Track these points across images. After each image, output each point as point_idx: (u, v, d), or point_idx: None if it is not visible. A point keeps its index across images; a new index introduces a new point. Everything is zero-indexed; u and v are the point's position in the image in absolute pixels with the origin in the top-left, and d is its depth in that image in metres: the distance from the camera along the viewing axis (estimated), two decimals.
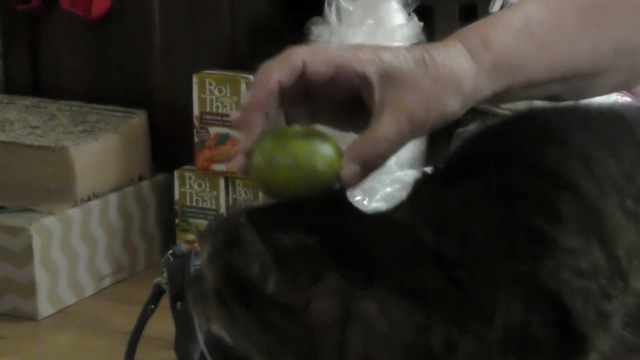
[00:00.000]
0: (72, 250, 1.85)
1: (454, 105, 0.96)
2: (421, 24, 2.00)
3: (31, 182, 1.87)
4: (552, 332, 1.00)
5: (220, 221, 1.01)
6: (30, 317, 1.78)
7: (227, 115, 1.93)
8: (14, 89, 2.24)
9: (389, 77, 0.94)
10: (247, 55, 2.06)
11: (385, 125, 0.94)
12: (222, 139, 1.94)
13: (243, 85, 1.91)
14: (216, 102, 1.93)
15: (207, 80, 1.93)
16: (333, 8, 1.96)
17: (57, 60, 2.21)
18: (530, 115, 1.06)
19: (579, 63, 1.01)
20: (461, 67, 0.96)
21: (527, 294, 0.99)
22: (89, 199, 1.89)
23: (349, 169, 0.94)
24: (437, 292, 0.96)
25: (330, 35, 1.94)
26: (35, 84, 2.23)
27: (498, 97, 1.00)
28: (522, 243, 1.00)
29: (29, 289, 1.78)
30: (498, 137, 1.07)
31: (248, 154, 0.94)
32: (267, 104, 0.94)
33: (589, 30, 1.01)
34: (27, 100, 2.13)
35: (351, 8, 1.96)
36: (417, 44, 1.99)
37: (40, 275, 1.79)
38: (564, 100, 1.07)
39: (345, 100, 0.97)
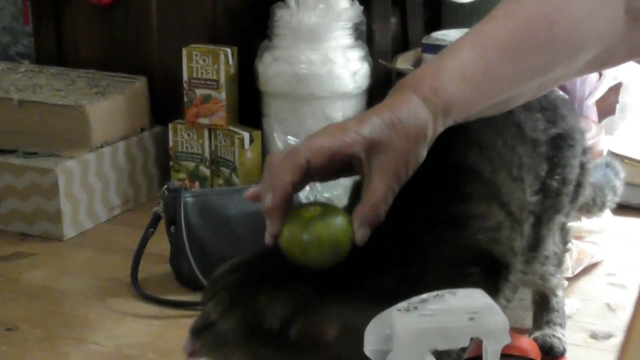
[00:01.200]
0: (89, 186, 1.84)
1: (424, 153, 0.95)
2: (361, 7, 1.99)
3: (56, 133, 1.85)
4: (483, 279, 1.02)
5: (219, 279, 0.98)
6: (57, 239, 1.78)
7: (210, 80, 1.91)
8: (42, 60, 2.22)
9: (372, 148, 0.92)
10: (224, 33, 2.04)
11: (378, 188, 0.92)
12: (206, 99, 1.92)
13: (222, 57, 1.89)
14: (201, 69, 1.92)
15: (194, 53, 1.92)
16: None
17: (76, 37, 2.18)
18: None
19: (503, 93, 1.00)
20: (422, 119, 0.94)
21: (457, 265, 1.01)
22: (102, 147, 1.88)
23: (361, 234, 0.93)
24: (394, 291, 0.94)
25: (290, 17, 1.93)
26: (59, 56, 2.20)
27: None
28: (447, 228, 1.01)
29: (56, 217, 1.78)
30: None
31: (276, 237, 0.94)
32: (286, 203, 0.93)
33: (510, 65, 0.99)
34: (53, 69, 2.11)
35: None
36: (359, 23, 1.99)
37: (65, 206, 1.79)
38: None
39: (335, 169, 0.96)
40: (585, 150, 1.23)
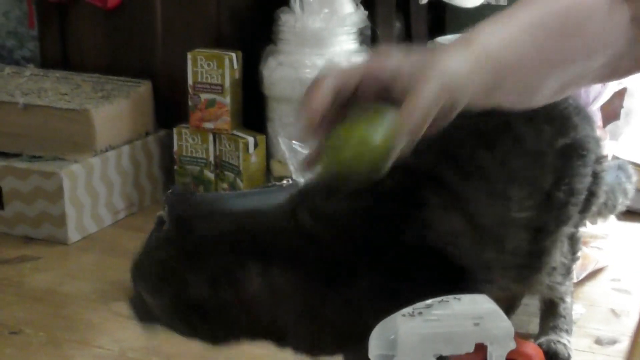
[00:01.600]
0: (94, 190, 1.84)
1: (462, 101, 0.90)
2: (366, 12, 1.99)
3: (61, 137, 1.85)
4: (435, 276, 1.02)
5: (144, 257, 1.04)
6: (62, 242, 1.78)
7: (214, 85, 1.91)
8: (47, 64, 2.21)
9: (412, 75, 0.87)
10: (229, 37, 2.04)
11: (422, 95, 0.86)
12: (211, 103, 1.92)
13: (227, 61, 1.89)
14: (206, 74, 1.92)
15: (198, 57, 1.92)
16: (297, 0, 1.95)
17: (81, 41, 2.18)
18: None
19: (526, 77, 0.96)
20: (462, 67, 0.90)
21: (395, 264, 1.01)
22: (107, 150, 1.88)
23: (404, 138, 0.86)
24: (313, 264, 0.99)
25: (295, 22, 1.94)
26: (64, 60, 2.20)
27: (484, 95, 0.94)
28: (392, 229, 1.02)
29: (61, 220, 1.78)
30: None
31: (317, 154, 0.90)
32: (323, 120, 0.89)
33: (533, 48, 0.96)
34: (58, 73, 2.11)
35: (311, 0, 1.95)
36: (363, 28, 1.99)
37: (70, 210, 1.78)
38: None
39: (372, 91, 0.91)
40: (600, 159, 1.21)
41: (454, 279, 1.03)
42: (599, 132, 1.24)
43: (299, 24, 1.93)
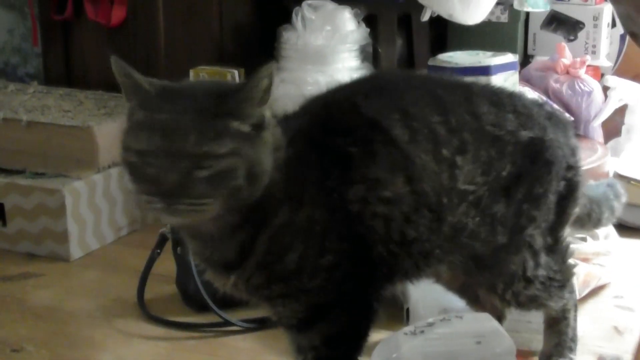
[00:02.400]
0: (96, 207, 1.83)
1: None
2: (368, 29, 1.99)
3: (64, 154, 1.84)
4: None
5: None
6: (64, 259, 1.77)
7: None
8: (51, 81, 2.22)
9: None
10: (232, 54, 2.04)
11: None
12: None
13: (229, 78, 1.88)
14: None
15: (201, 74, 1.91)
16: (299, 17, 1.95)
17: (84, 58, 2.19)
18: (375, 76, 1.12)
19: None
20: None
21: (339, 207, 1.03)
22: (109, 167, 1.87)
23: None
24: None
25: (297, 39, 1.94)
26: (68, 77, 2.21)
27: None
28: (334, 165, 1.04)
29: (63, 237, 1.77)
30: (342, 90, 1.12)
31: None
32: None
33: None
34: (61, 90, 2.11)
35: (313, 17, 1.95)
36: (365, 45, 1.99)
37: (72, 226, 1.78)
38: None
39: None
40: (573, 167, 1.18)
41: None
42: (574, 141, 1.21)
43: (301, 41, 1.93)
